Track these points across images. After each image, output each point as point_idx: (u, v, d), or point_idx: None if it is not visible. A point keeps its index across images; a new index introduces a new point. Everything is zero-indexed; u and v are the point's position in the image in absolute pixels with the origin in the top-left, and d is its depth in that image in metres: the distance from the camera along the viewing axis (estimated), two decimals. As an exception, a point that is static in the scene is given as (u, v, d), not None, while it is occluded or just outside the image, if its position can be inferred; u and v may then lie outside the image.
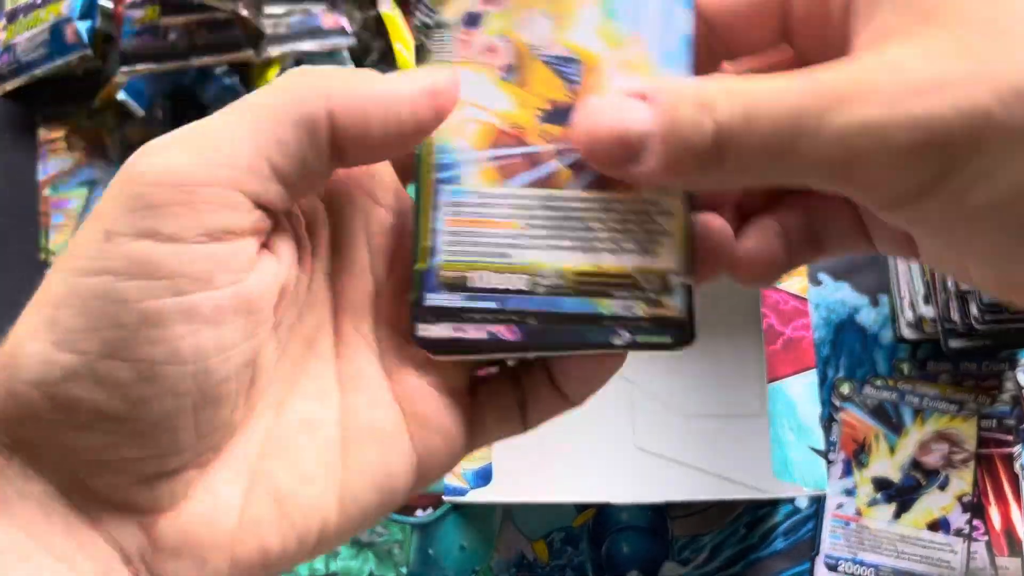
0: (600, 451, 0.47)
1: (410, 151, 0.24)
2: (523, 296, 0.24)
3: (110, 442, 0.20)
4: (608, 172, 0.23)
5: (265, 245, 0.22)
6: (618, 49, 0.24)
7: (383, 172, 0.25)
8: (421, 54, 0.24)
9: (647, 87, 0.22)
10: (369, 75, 0.22)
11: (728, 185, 0.22)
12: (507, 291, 0.24)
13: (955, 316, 0.45)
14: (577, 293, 0.24)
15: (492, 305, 0.24)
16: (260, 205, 0.21)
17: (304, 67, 0.22)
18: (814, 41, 0.23)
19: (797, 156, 0.19)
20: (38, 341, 0.19)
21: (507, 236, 0.24)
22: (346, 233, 0.24)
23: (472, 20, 0.24)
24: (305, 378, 0.24)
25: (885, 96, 0.18)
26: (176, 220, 0.19)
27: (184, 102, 0.58)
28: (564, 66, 0.24)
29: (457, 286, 0.24)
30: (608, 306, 0.24)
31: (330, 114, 0.21)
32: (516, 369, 0.26)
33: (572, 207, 0.24)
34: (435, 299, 0.24)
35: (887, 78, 0.19)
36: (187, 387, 0.20)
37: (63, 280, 0.20)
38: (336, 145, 0.21)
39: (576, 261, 0.24)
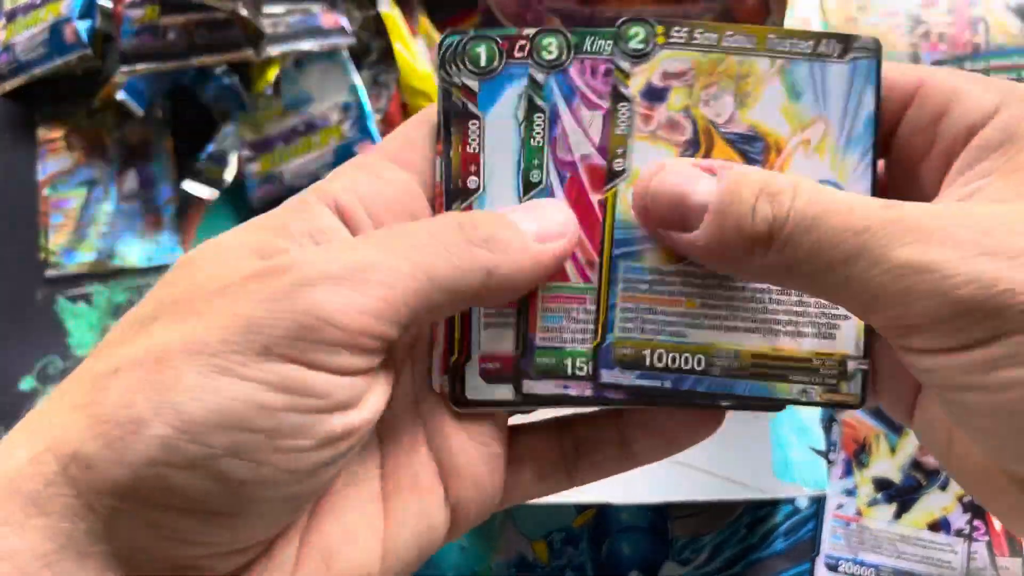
0: (600, 451, 0.47)
1: None
2: (697, 376, 0.24)
3: (205, 528, 0.20)
4: (654, 234, 0.23)
5: None
6: (802, 130, 0.24)
7: None
8: (449, 118, 0.24)
9: (717, 163, 0.22)
10: (520, 239, 0.22)
11: (765, 280, 0.23)
12: (681, 370, 0.24)
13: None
14: (752, 376, 0.24)
15: (667, 385, 0.24)
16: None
17: (475, 221, 0.22)
18: (906, 169, 0.24)
19: (849, 274, 0.19)
20: (163, 425, 0.19)
21: (683, 315, 0.24)
22: None
23: (655, 95, 0.24)
24: None
25: (958, 246, 0.18)
26: (338, 358, 0.20)
27: (183, 102, 0.58)
28: (746, 144, 0.24)
29: (632, 364, 0.24)
30: (784, 389, 0.24)
31: (484, 286, 0.22)
32: (567, 423, 0.26)
33: (750, 288, 0.24)
34: (610, 376, 0.24)
35: (966, 233, 0.19)
36: (296, 492, 0.20)
37: (198, 371, 0.19)
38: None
39: (753, 343, 0.24)
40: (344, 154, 0.55)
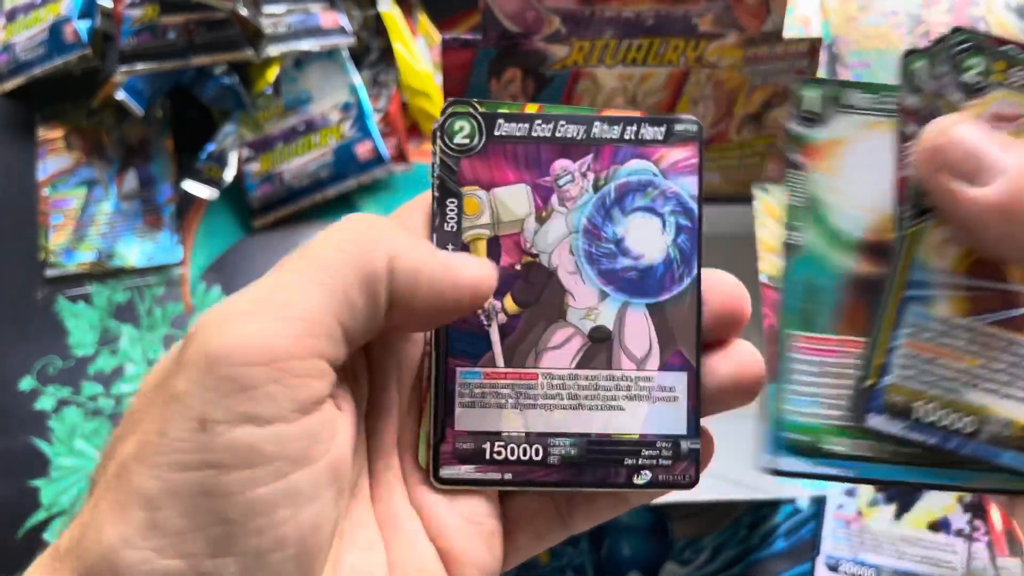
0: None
1: (432, 328, 0.24)
2: (963, 439, 0.23)
3: None
4: (931, 179, 0.22)
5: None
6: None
7: None
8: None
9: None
10: (426, 243, 0.22)
11: None
12: (947, 429, 0.23)
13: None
14: (1018, 447, 0.23)
15: (933, 441, 0.23)
16: (333, 367, 0.20)
17: (365, 217, 0.22)
18: None
19: None
20: (138, 549, 0.18)
21: (962, 373, 0.23)
22: (379, 375, 0.24)
23: None
24: (350, 525, 0.23)
25: None
26: (274, 401, 0.19)
27: (183, 101, 0.58)
28: None
29: (901, 413, 0.23)
30: None
31: (390, 272, 0.21)
32: None
33: None
34: (876, 422, 0.23)
35: None
36: (289, 570, 0.19)
37: (155, 477, 0.18)
38: (389, 304, 0.21)
39: None
40: (344, 153, 0.55)
